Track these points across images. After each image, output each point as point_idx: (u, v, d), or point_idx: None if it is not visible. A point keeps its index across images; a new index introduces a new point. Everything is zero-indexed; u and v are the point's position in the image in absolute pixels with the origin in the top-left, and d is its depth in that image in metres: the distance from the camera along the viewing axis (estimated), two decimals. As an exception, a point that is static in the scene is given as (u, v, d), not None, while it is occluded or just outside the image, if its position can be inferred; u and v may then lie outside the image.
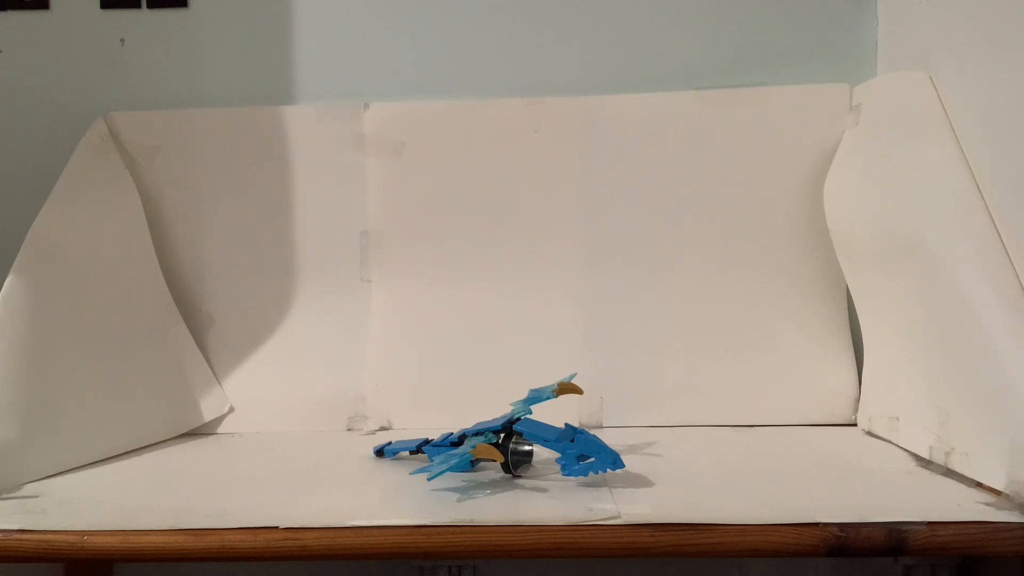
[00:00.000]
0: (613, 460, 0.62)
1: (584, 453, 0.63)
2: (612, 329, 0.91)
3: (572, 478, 0.63)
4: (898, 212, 0.74)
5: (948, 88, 0.74)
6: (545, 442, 0.65)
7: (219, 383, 0.93)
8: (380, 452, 0.76)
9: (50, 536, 0.55)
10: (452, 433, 0.71)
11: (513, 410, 0.68)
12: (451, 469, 0.63)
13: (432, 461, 0.67)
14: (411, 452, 0.74)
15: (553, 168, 0.92)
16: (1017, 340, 0.59)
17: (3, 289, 0.73)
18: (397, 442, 0.76)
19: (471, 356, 0.92)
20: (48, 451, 0.71)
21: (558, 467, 0.64)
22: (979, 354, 0.61)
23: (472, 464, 0.68)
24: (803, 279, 0.90)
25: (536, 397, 0.69)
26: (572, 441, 0.64)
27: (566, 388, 0.69)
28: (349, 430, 0.90)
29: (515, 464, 0.67)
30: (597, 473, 0.63)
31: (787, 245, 0.90)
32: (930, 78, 0.76)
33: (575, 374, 0.71)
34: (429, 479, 0.63)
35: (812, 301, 0.90)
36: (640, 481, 0.64)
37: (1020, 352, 0.58)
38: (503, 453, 0.66)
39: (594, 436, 0.64)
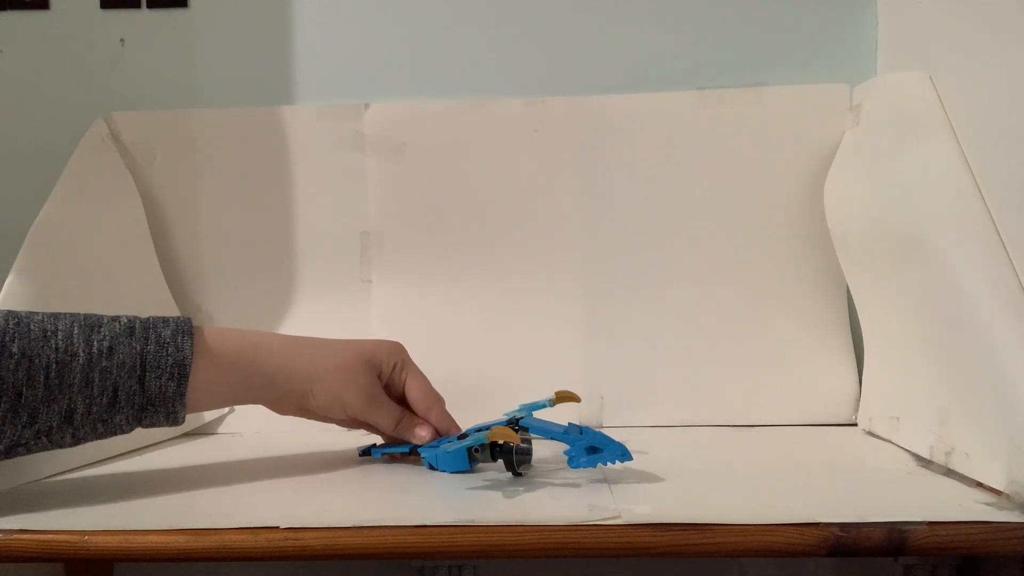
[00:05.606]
0: (621, 452, 0.62)
1: (593, 445, 0.63)
2: (612, 329, 0.91)
3: (572, 476, 0.63)
4: (898, 212, 0.74)
5: (948, 88, 0.74)
6: (553, 436, 0.65)
7: (219, 383, 0.93)
8: (366, 452, 0.75)
9: (50, 536, 0.55)
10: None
11: (513, 413, 0.68)
12: (454, 462, 0.63)
13: (439, 447, 0.67)
14: (405, 453, 0.73)
15: (554, 168, 0.92)
16: (1017, 340, 0.59)
17: (3, 289, 0.73)
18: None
19: (471, 356, 0.92)
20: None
21: (559, 466, 0.63)
22: (979, 354, 0.61)
23: (472, 464, 0.68)
24: (803, 279, 0.90)
25: (532, 407, 0.69)
26: (580, 435, 0.64)
27: (564, 396, 0.69)
28: (349, 430, 0.90)
29: (518, 462, 0.67)
30: (605, 465, 0.63)
31: (787, 245, 0.90)
32: (930, 78, 0.76)
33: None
34: (427, 459, 0.64)
35: (812, 301, 0.90)
36: (640, 481, 0.64)
37: (1020, 352, 0.58)
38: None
39: (599, 432, 0.64)
